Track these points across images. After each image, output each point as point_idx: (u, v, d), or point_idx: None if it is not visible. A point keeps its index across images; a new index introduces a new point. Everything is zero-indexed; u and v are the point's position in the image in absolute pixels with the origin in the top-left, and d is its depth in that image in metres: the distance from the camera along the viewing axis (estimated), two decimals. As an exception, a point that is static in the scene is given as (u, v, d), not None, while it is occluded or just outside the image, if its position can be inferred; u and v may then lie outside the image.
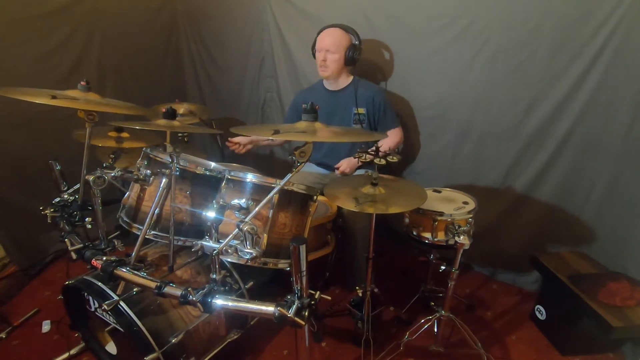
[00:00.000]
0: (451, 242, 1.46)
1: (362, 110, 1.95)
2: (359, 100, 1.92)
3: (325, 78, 1.99)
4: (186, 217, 1.30)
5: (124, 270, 1.13)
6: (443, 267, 1.63)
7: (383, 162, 1.39)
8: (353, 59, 1.90)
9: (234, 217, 1.11)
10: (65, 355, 1.61)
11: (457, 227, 1.44)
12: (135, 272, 1.14)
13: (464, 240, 1.40)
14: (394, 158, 1.39)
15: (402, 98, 2.14)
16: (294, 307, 0.91)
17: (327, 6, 2.18)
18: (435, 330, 1.66)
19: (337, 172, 1.90)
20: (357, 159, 1.42)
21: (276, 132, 1.10)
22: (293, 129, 1.14)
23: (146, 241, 1.27)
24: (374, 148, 1.40)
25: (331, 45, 1.87)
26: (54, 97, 1.19)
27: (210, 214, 1.12)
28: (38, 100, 1.15)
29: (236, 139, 2.00)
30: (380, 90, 2.01)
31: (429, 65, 1.99)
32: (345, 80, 1.99)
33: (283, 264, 1.27)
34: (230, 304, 0.99)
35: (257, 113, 2.77)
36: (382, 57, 2.13)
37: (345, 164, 1.88)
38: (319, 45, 1.91)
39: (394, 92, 2.15)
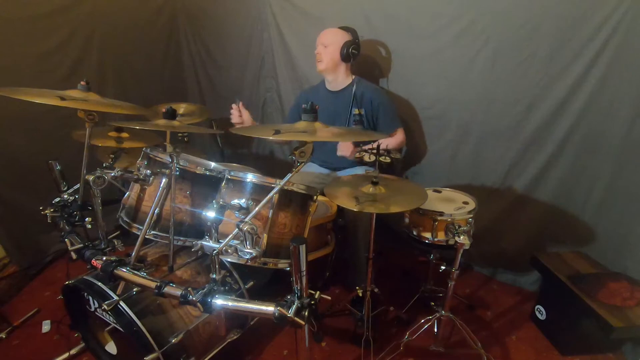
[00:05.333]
0: (451, 242, 1.46)
1: (361, 111, 1.95)
2: (358, 100, 1.92)
3: (320, 72, 1.99)
4: (186, 217, 1.30)
5: (124, 270, 1.13)
6: (443, 267, 1.62)
7: (387, 159, 1.39)
8: (348, 55, 1.90)
9: (234, 217, 1.11)
10: (65, 355, 1.61)
11: (457, 227, 1.44)
12: (135, 272, 1.13)
13: (464, 240, 1.40)
14: (397, 155, 1.39)
15: (402, 98, 2.14)
16: (294, 307, 0.91)
17: (327, 6, 2.18)
18: (435, 330, 1.66)
19: (338, 153, 1.86)
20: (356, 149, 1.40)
21: (277, 132, 1.10)
22: (293, 129, 1.14)
23: (146, 241, 1.27)
24: (374, 146, 1.40)
25: (325, 39, 1.91)
26: (62, 99, 1.19)
27: (210, 214, 1.12)
28: (46, 102, 1.14)
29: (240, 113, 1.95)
30: (379, 91, 2.00)
31: (429, 65, 2.00)
32: (345, 80, 1.99)
33: (283, 264, 1.27)
34: (230, 304, 0.99)
35: (257, 113, 2.77)
36: (382, 57, 2.13)
37: (344, 147, 1.84)
38: (317, 42, 1.94)
39: (394, 92, 2.15)
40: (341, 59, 1.92)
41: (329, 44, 1.90)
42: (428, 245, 1.54)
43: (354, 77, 1.99)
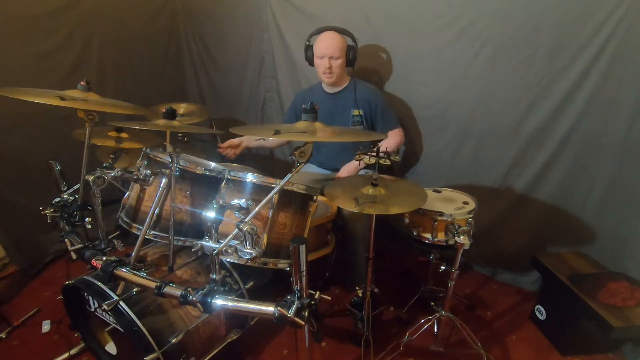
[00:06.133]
0: (451, 242, 1.46)
1: (360, 112, 1.94)
2: (357, 101, 1.92)
3: (331, 84, 1.98)
4: (186, 217, 1.30)
5: (124, 270, 1.13)
6: (443, 267, 1.63)
7: (387, 162, 1.39)
8: (353, 60, 1.91)
9: (234, 217, 1.11)
10: (65, 355, 1.61)
11: (457, 227, 1.44)
12: (135, 272, 1.13)
13: (464, 240, 1.40)
14: (396, 157, 1.40)
15: (402, 98, 2.14)
16: (294, 307, 0.91)
17: (327, 6, 2.18)
18: (435, 330, 1.66)
19: (342, 174, 1.89)
20: (357, 162, 1.42)
21: (277, 132, 1.10)
22: (293, 129, 1.14)
23: (146, 241, 1.27)
24: (374, 149, 1.40)
25: (334, 50, 1.84)
26: (62, 99, 1.19)
27: (210, 214, 1.12)
28: (46, 102, 1.14)
29: (226, 143, 1.97)
30: (377, 91, 2.00)
31: (429, 65, 1.99)
32: (344, 82, 1.99)
33: (283, 264, 1.27)
34: (230, 304, 0.99)
35: (257, 113, 2.77)
36: (382, 57, 2.12)
37: (345, 172, 1.89)
38: (319, 51, 1.88)
39: (394, 92, 2.15)
40: (346, 66, 1.92)
41: (338, 56, 1.86)
42: (428, 245, 1.54)
43: (350, 78, 1.99)
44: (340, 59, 1.87)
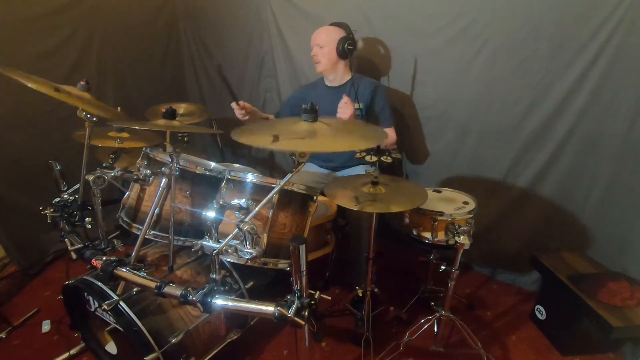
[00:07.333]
0: (451, 242, 1.46)
1: (360, 106, 1.94)
2: (358, 95, 1.92)
3: (320, 73, 2.00)
4: (186, 217, 1.30)
5: (124, 270, 1.13)
6: (443, 267, 1.63)
7: (389, 159, 1.39)
8: (345, 52, 1.89)
9: (234, 217, 1.11)
10: (65, 355, 1.61)
11: (457, 227, 1.44)
12: (135, 272, 1.13)
13: (464, 240, 1.40)
14: (397, 155, 1.40)
15: (402, 98, 2.14)
16: (294, 307, 0.91)
17: (327, 6, 2.18)
18: (435, 330, 1.66)
19: (338, 116, 1.79)
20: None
21: (275, 137, 1.09)
22: (293, 133, 1.13)
23: (146, 241, 1.27)
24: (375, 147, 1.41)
25: (320, 39, 1.90)
26: (57, 90, 1.19)
27: (210, 214, 1.12)
28: (39, 89, 1.15)
29: (242, 103, 1.89)
30: (378, 87, 2.00)
31: (429, 65, 1.99)
32: (345, 77, 2.00)
33: (283, 264, 1.27)
34: (230, 304, 0.99)
35: (257, 113, 2.77)
36: (382, 57, 2.12)
37: (344, 111, 1.78)
38: (311, 43, 1.94)
39: (394, 91, 2.15)
40: (338, 56, 1.92)
41: (324, 44, 1.90)
42: (428, 245, 1.53)
43: (353, 73, 1.99)
44: (326, 47, 1.89)
